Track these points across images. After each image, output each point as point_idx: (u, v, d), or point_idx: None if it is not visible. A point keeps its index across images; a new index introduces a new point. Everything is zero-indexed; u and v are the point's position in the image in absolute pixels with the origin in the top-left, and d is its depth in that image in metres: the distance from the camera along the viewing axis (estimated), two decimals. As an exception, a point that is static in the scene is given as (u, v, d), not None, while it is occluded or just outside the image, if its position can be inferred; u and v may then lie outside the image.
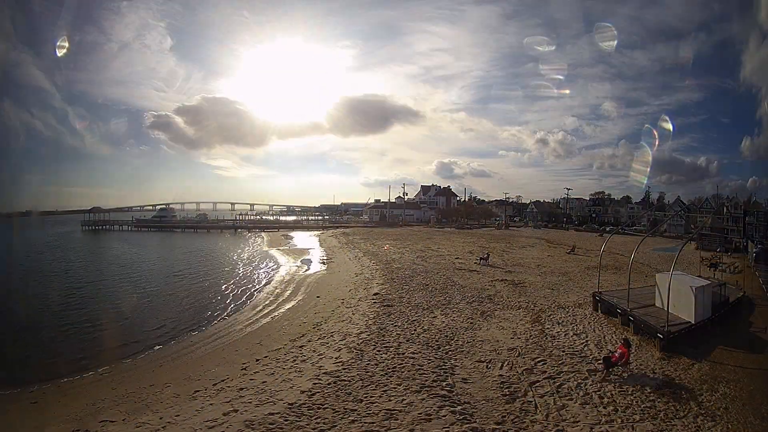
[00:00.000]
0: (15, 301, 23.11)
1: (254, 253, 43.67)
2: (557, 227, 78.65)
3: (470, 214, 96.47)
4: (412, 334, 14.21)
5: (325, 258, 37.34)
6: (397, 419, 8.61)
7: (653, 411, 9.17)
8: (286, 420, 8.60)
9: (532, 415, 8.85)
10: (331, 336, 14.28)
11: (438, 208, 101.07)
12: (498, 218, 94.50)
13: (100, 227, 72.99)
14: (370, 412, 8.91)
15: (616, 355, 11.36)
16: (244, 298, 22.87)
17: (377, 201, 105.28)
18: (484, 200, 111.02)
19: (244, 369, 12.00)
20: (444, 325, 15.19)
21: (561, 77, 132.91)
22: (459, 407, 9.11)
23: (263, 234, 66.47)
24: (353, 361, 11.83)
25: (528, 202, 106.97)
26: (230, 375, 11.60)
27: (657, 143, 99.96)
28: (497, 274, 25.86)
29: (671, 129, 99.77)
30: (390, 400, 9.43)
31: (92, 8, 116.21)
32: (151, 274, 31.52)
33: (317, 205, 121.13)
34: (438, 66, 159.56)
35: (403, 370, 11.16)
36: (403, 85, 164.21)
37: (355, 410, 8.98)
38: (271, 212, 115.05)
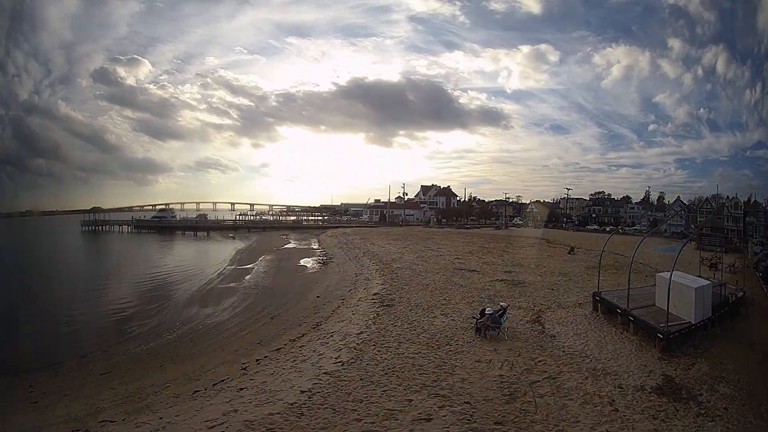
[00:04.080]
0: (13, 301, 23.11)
1: (253, 254, 43.62)
2: (557, 227, 78.60)
3: (470, 214, 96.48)
4: (412, 334, 14.21)
5: (325, 258, 37.35)
6: (397, 419, 8.61)
7: (653, 411, 9.16)
8: (286, 420, 8.59)
9: (532, 415, 8.84)
10: (331, 336, 14.28)
11: (438, 208, 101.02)
12: (498, 218, 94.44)
13: (100, 227, 73.00)
14: (370, 412, 8.90)
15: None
16: (243, 299, 22.86)
17: (377, 201, 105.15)
18: (484, 200, 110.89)
19: (244, 369, 12.00)
20: (444, 325, 15.19)
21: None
22: (459, 407, 9.11)
23: (263, 234, 66.47)
24: (353, 361, 11.82)
25: (528, 202, 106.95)
26: (230, 375, 11.60)
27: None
28: (497, 274, 25.85)
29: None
30: (390, 400, 9.43)
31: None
32: (152, 273, 31.52)
33: (317, 205, 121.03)
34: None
35: (403, 370, 11.16)
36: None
37: (355, 410, 8.97)
38: (270, 212, 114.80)
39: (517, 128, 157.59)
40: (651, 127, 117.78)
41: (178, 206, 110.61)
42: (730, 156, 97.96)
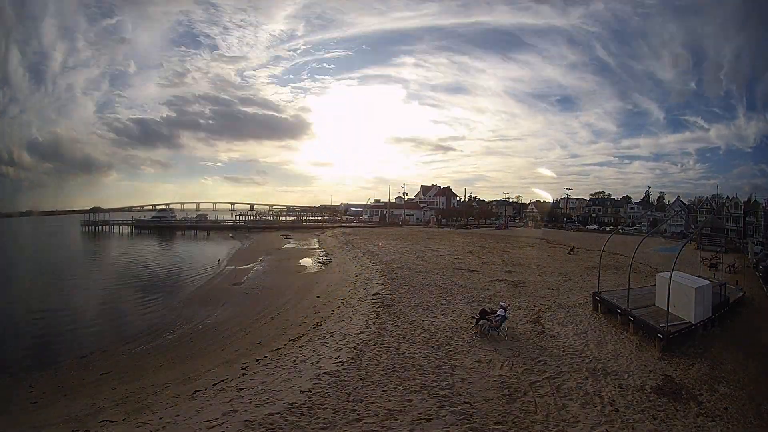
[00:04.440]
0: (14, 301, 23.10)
1: (253, 254, 43.63)
2: (557, 227, 78.62)
3: (470, 214, 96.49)
4: (412, 334, 14.21)
5: (325, 258, 37.35)
6: (397, 419, 8.61)
7: (653, 411, 9.17)
8: (286, 420, 8.59)
9: (532, 415, 8.84)
10: (331, 336, 14.27)
11: (438, 208, 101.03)
12: (498, 218, 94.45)
13: (100, 227, 73.02)
14: (370, 412, 8.91)
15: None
16: (243, 299, 22.86)
17: (377, 201, 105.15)
18: (484, 200, 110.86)
19: (244, 369, 12.00)
20: (444, 325, 15.19)
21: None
22: (459, 407, 9.11)
23: (263, 234, 66.42)
24: (353, 361, 11.82)
25: (528, 202, 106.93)
26: (230, 375, 11.60)
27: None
28: (497, 274, 25.85)
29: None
30: (390, 400, 9.43)
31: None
32: (152, 273, 31.51)
33: (317, 205, 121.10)
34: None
35: (403, 370, 11.16)
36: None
37: (355, 410, 8.98)
38: (270, 212, 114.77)
39: (512, 102, 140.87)
40: (686, 97, 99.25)
41: (178, 206, 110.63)
42: (755, 146, 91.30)
